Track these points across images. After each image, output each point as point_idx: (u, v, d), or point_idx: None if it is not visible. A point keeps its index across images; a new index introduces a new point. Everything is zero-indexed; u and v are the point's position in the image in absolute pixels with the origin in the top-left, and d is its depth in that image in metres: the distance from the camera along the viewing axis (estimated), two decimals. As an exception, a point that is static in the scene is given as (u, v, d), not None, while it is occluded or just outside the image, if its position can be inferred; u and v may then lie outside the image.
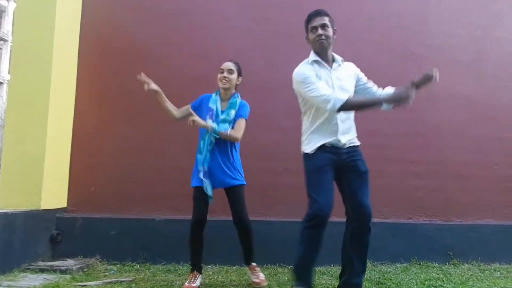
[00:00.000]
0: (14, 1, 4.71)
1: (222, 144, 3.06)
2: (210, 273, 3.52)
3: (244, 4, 4.43)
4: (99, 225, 3.92)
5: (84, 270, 3.49)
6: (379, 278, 3.40)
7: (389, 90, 2.73)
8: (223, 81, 3.12)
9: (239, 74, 3.21)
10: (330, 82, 2.66)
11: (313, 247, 2.61)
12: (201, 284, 3.05)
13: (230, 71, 3.14)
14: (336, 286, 2.95)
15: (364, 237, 2.65)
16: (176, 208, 3.96)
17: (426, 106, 4.31)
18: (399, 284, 3.22)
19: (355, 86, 2.80)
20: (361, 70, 2.94)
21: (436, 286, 3.17)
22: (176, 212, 3.94)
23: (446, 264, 4.01)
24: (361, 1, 4.52)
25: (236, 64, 3.20)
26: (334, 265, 3.80)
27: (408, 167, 4.29)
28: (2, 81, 26.71)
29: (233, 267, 3.75)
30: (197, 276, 3.02)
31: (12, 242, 3.33)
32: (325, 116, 2.67)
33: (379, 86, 2.86)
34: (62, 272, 3.35)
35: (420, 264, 3.96)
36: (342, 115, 2.66)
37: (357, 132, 2.83)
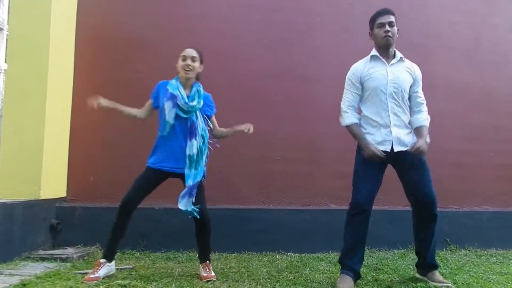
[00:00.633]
0: (9, -10, 4.66)
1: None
2: (210, 260, 3.56)
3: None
4: (98, 214, 3.93)
5: (85, 258, 3.52)
6: (377, 264, 3.45)
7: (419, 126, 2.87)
8: (187, 69, 2.94)
9: (201, 62, 3.04)
10: (386, 75, 2.82)
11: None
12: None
13: (193, 59, 2.97)
14: (336, 272, 3.03)
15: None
16: (175, 197, 3.96)
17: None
18: (396, 269, 3.27)
19: (410, 87, 2.90)
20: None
21: (433, 272, 3.22)
22: (175, 201, 3.93)
23: (443, 250, 4.07)
24: (359, -12, 4.50)
25: (199, 51, 3.02)
26: (332, 252, 3.86)
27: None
28: (-2, 71, 26.48)
29: (232, 254, 3.79)
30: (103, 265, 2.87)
31: (12, 232, 3.35)
32: None
33: None
34: (63, 260, 3.38)
35: (417, 250, 4.01)
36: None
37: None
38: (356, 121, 2.88)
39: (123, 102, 4.19)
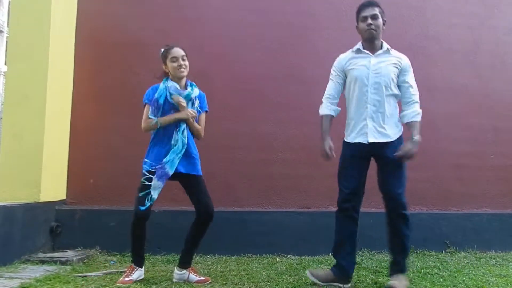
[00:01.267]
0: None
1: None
2: (209, 263, 3.56)
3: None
4: (98, 216, 3.93)
5: (84, 261, 3.52)
6: (376, 266, 3.44)
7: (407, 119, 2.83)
8: (181, 69, 2.89)
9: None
10: (369, 66, 2.80)
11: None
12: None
13: (183, 57, 2.92)
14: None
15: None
16: (175, 199, 3.97)
17: (421, 96, 4.28)
18: (396, 272, 3.27)
19: (397, 77, 2.85)
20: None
21: (432, 274, 3.21)
22: (175, 204, 3.95)
23: (442, 252, 4.06)
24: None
25: (183, 48, 2.97)
26: (331, 254, 3.85)
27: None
28: (-2, 74, 26.50)
29: (232, 257, 3.79)
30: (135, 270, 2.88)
31: (12, 234, 3.35)
32: None
33: None
34: (63, 263, 3.37)
35: (417, 252, 4.01)
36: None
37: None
38: (329, 113, 2.93)
39: (122, 105, 4.23)
